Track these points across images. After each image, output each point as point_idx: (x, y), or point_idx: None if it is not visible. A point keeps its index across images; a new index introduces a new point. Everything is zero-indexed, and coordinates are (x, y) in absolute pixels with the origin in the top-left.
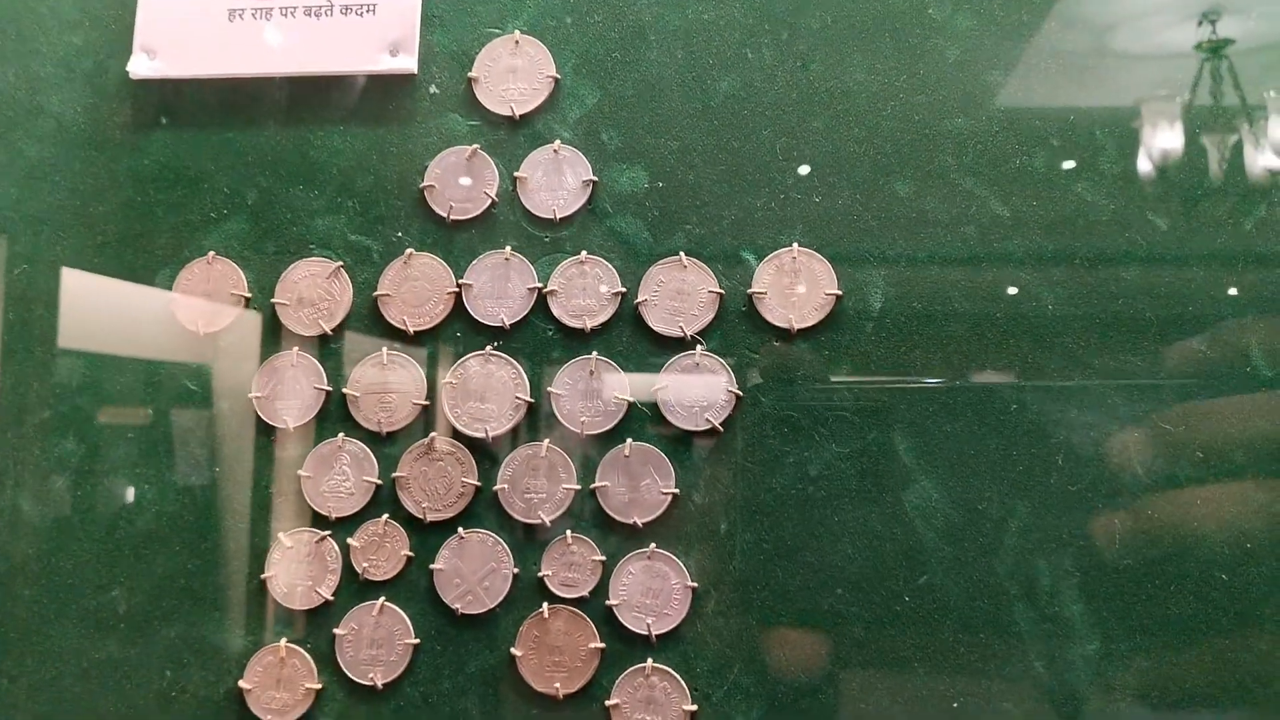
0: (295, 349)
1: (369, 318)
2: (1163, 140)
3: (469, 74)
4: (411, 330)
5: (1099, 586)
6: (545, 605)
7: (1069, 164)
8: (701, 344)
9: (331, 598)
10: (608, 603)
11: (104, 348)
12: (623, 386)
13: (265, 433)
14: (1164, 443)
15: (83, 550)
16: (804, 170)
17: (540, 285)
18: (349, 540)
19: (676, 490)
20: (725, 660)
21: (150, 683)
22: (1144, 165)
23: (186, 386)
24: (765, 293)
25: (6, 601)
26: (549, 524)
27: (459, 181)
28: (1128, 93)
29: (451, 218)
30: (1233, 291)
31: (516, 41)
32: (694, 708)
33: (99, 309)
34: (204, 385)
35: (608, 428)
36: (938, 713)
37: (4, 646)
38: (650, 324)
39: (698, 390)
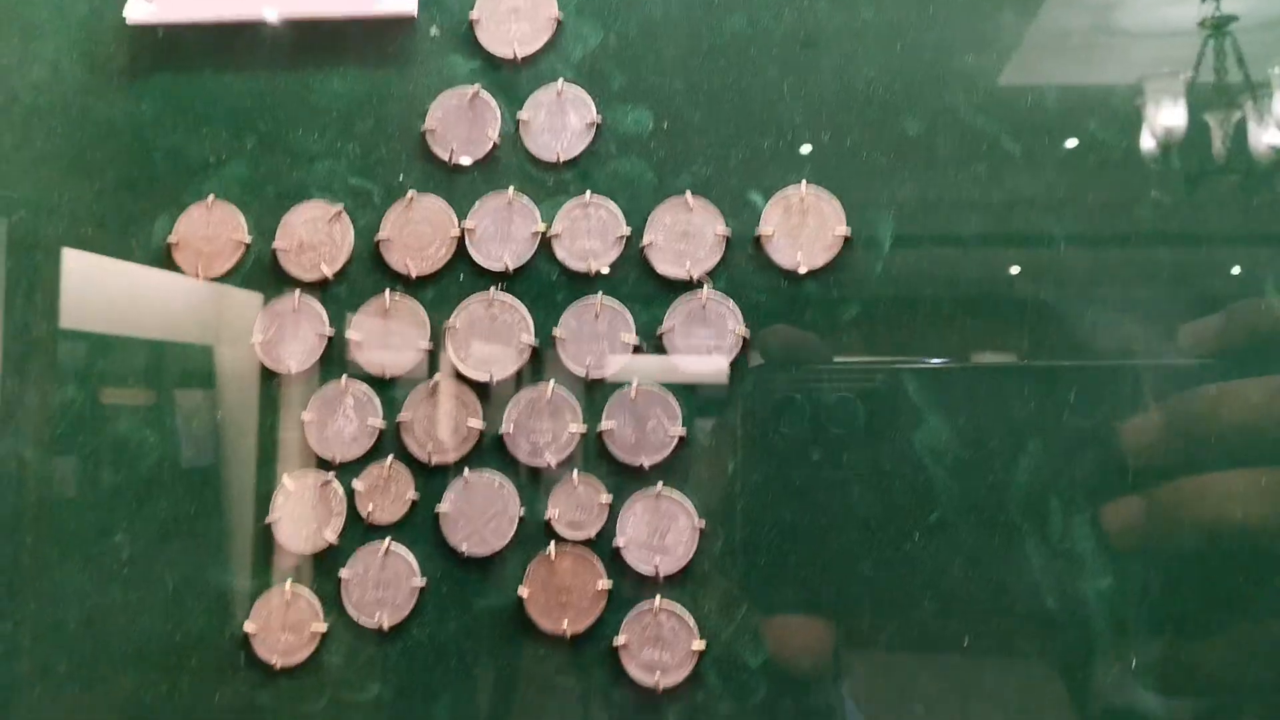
0: (297, 292)
1: (370, 262)
2: (1167, 116)
3: (470, 15)
4: (414, 274)
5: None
6: (552, 545)
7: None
8: (708, 284)
9: (336, 541)
10: (615, 543)
11: (106, 295)
12: (628, 328)
13: (268, 378)
14: (1177, 378)
15: (86, 496)
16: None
17: (544, 228)
18: (353, 483)
19: (684, 432)
20: (733, 599)
21: (155, 627)
22: (1147, 142)
23: (189, 332)
24: (773, 233)
25: (10, 547)
26: (554, 466)
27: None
28: (1131, 69)
29: (453, 161)
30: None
31: None
32: (702, 646)
33: (100, 257)
34: (206, 331)
35: (614, 370)
36: (948, 650)
37: (9, 591)
38: (656, 266)
39: (705, 332)
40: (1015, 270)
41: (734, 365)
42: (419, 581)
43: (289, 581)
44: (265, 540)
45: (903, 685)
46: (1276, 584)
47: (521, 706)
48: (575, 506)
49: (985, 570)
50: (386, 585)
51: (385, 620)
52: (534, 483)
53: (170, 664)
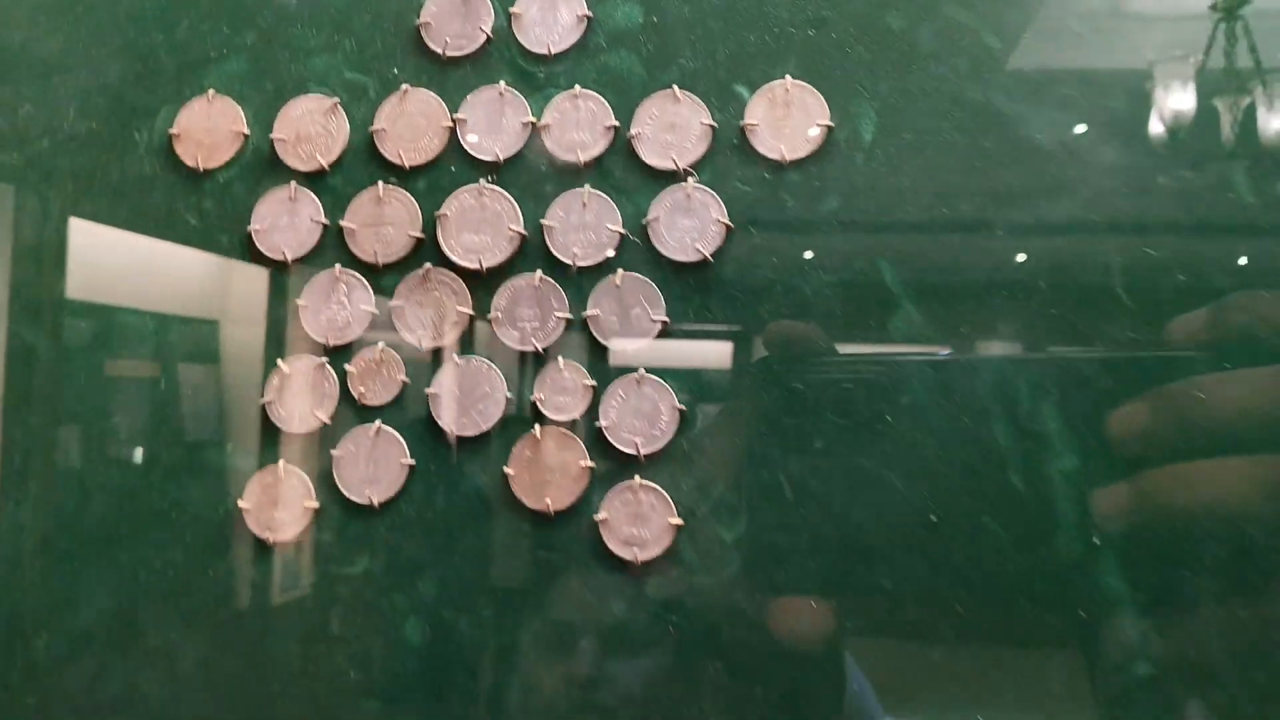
0: (293, 183)
1: (365, 153)
2: (1176, 100)
3: None
4: (407, 165)
5: (1076, 404)
6: (537, 426)
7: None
8: (693, 176)
9: (329, 421)
10: (598, 424)
11: (105, 187)
12: (614, 219)
13: (264, 265)
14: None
15: (84, 381)
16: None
17: (534, 120)
18: (345, 366)
19: (666, 319)
20: (710, 478)
21: (151, 504)
22: (1156, 127)
23: (186, 221)
24: (757, 125)
25: (13, 429)
26: (541, 351)
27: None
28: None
29: (447, 54)
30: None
31: None
32: (679, 522)
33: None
34: (203, 220)
35: (600, 259)
36: (915, 525)
37: (11, 470)
38: (643, 157)
39: (689, 221)
40: (996, 159)
41: (716, 255)
42: (408, 460)
43: (282, 460)
44: (259, 421)
45: (871, 562)
46: (1253, 565)
47: (505, 579)
48: (560, 390)
49: (954, 453)
50: (377, 464)
51: (375, 497)
52: (521, 367)
53: (165, 540)
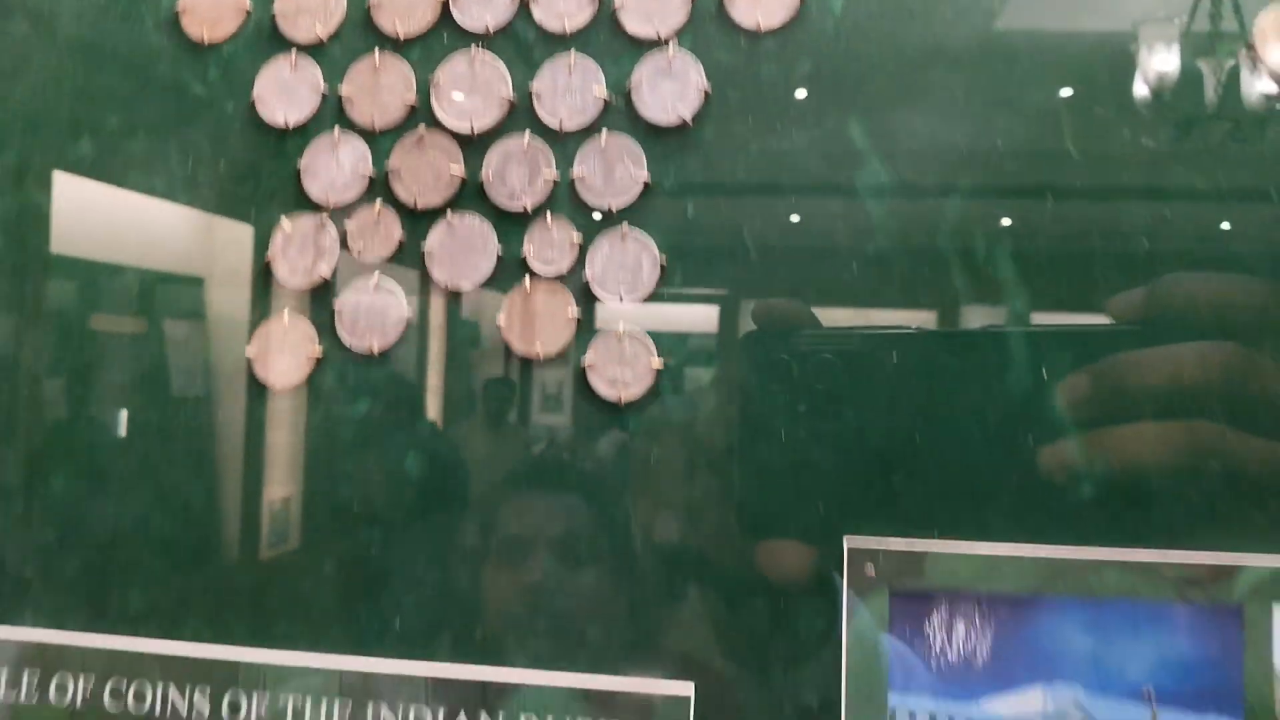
0: (293, 52)
1: (362, 25)
2: (1160, 62)
3: None
4: (401, 36)
5: (1030, 254)
6: (527, 279)
7: None
8: (675, 43)
9: (329, 276)
10: (584, 278)
11: (115, 60)
12: (599, 84)
13: (266, 133)
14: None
15: (87, 245)
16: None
17: None
18: (345, 224)
19: (648, 177)
20: (688, 325)
21: (157, 356)
22: (1140, 88)
23: (193, 90)
24: None
25: (15, 285)
26: (530, 210)
27: None
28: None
29: None
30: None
31: None
32: (660, 364)
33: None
34: (209, 89)
35: (586, 122)
36: (876, 366)
37: (17, 327)
38: (626, 26)
39: (670, 86)
40: (954, 20)
41: (696, 119)
42: (406, 313)
43: (286, 310)
44: (263, 277)
45: (836, 399)
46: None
47: (496, 416)
48: (548, 246)
49: (916, 296)
50: (376, 314)
51: (375, 345)
52: (511, 225)
53: (175, 389)
